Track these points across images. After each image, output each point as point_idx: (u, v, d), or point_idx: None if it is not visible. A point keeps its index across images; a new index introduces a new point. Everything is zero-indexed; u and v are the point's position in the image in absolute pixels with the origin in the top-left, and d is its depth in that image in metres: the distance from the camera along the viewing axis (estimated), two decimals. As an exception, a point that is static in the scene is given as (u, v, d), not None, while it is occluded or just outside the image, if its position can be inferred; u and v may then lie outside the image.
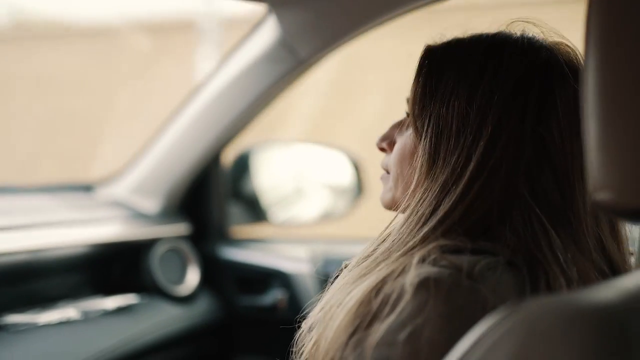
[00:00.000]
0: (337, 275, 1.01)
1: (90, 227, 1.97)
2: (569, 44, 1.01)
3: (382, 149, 1.10)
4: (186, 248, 2.15)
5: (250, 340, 2.17)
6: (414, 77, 1.03)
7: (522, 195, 0.92)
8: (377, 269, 0.91)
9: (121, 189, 2.22)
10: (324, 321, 0.92)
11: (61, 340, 1.68)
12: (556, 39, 1.01)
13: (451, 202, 0.92)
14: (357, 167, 2.14)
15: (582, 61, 0.97)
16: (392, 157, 1.06)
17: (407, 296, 0.82)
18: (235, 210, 2.28)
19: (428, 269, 0.84)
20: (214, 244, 2.23)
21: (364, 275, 0.93)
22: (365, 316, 0.85)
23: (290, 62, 1.76)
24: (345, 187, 2.20)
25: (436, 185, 0.94)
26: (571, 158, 0.94)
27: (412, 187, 0.99)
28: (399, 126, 1.08)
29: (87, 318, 1.78)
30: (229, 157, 2.23)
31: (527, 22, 1.03)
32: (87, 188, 2.28)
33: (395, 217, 1.01)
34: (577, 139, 0.94)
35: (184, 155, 2.12)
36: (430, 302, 0.81)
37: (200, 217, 2.24)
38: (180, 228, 2.19)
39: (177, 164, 2.13)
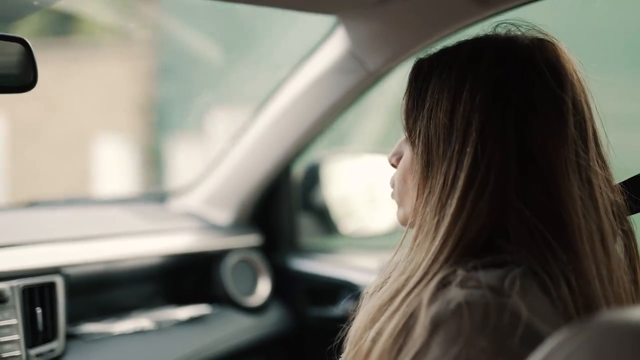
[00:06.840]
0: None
1: (164, 237, 2.01)
2: (551, 40, 0.99)
3: (393, 165, 1.09)
4: (257, 259, 2.17)
5: (321, 351, 2.16)
6: (405, 90, 1.04)
7: (514, 201, 0.91)
8: (398, 298, 0.90)
9: (194, 200, 2.25)
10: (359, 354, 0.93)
11: (135, 349, 1.71)
12: (539, 35, 0.99)
13: (450, 216, 0.91)
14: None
15: (565, 55, 0.97)
16: (396, 173, 1.06)
17: (442, 326, 0.80)
18: (305, 221, 2.28)
19: (456, 293, 0.82)
20: (285, 255, 2.24)
21: (386, 304, 0.92)
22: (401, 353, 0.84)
23: (360, 74, 1.75)
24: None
25: (433, 198, 0.94)
26: (555, 157, 0.92)
27: (414, 201, 0.99)
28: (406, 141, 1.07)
29: (161, 328, 1.81)
30: (299, 168, 2.23)
31: (512, 23, 1.01)
32: (160, 199, 2.33)
33: (405, 235, 1.01)
34: (559, 137, 0.93)
35: (255, 167, 2.13)
36: (466, 327, 0.79)
37: (271, 228, 2.25)
38: (252, 239, 2.21)
39: (249, 175, 2.15)
